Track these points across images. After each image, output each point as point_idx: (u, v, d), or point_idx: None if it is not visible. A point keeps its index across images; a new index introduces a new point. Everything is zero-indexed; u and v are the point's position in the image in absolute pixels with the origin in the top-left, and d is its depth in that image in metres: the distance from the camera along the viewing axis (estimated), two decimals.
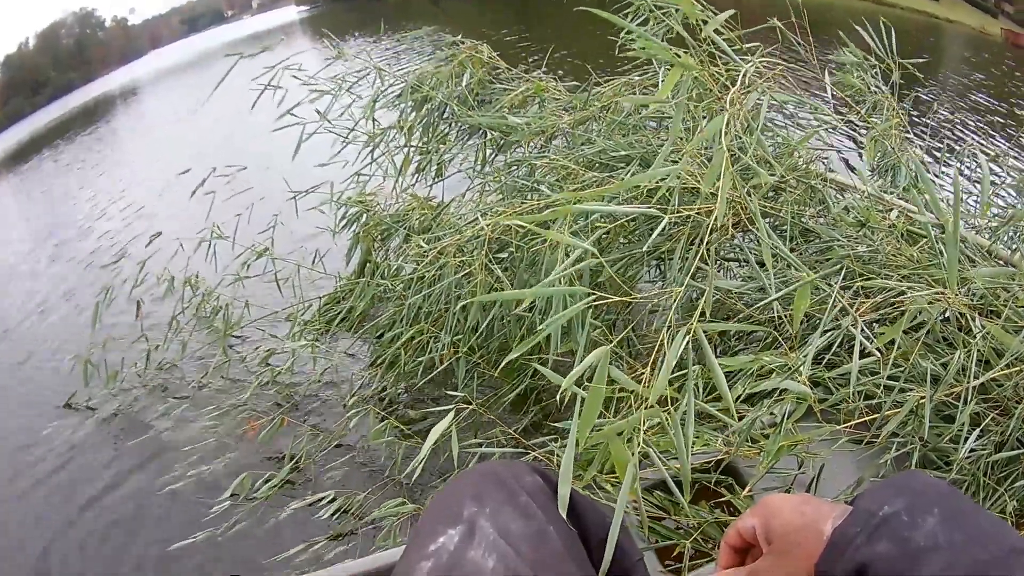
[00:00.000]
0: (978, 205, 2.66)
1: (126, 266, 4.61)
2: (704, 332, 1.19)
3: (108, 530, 3.04)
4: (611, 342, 1.17)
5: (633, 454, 1.13)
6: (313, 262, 3.96)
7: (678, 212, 1.81)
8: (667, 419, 1.20)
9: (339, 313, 3.85)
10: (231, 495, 2.93)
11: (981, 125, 6.54)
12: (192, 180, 3.99)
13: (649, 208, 1.55)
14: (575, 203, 1.52)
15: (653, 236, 1.57)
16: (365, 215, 3.81)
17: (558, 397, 1.23)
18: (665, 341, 1.17)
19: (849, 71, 2.64)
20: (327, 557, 2.63)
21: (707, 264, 1.54)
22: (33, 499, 3.39)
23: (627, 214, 1.92)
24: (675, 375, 1.22)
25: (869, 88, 2.59)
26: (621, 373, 1.16)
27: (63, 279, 6.52)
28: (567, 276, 1.60)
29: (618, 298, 1.34)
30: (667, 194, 2.08)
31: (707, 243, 1.35)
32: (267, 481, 2.94)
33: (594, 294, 1.24)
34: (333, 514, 2.72)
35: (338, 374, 3.61)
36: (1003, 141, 6.21)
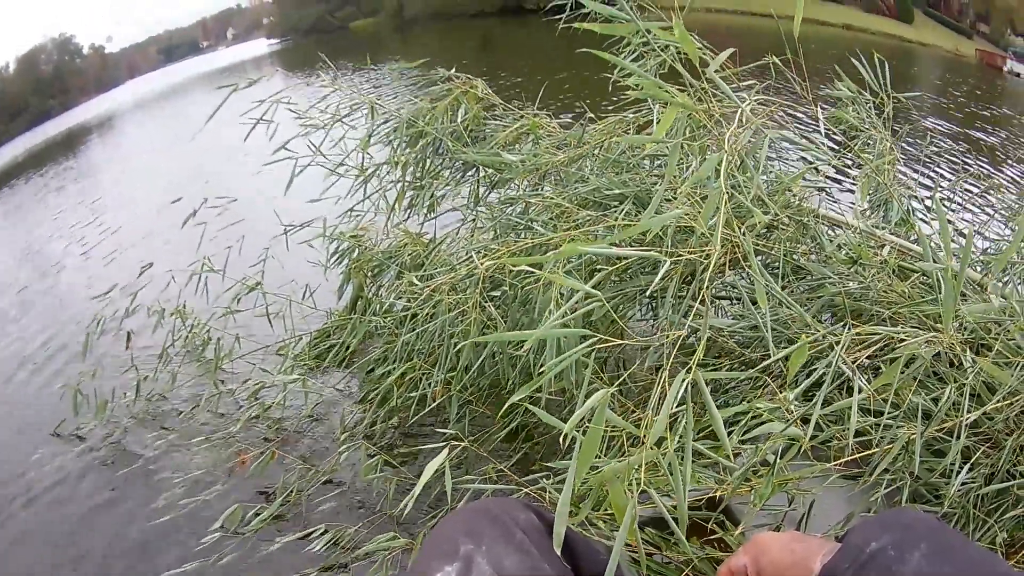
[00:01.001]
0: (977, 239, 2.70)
1: (116, 297, 4.57)
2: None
3: (97, 558, 3.03)
4: (606, 382, 1.20)
5: (632, 495, 1.15)
6: (304, 296, 3.98)
7: (678, 255, 1.83)
8: (663, 460, 1.21)
9: (330, 348, 3.88)
10: (221, 527, 2.93)
11: (968, 151, 6.62)
12: (179, 211, 4.01)
13: (649, 251, 1.57)
14: (578, 244, 1.54)
15: (657, 280, 1.59)
16: (357, 250, 3.81)
17: (561, 437, 1.25)
18: (665, 384, 1.19)
19: (844, 106, 2.67)
20: None
21: (701, 304, 1.56)
22: (20, 524, 3.38)
23: (628, 257, 1.94)
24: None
25: (863, 124, 2.62)
26: (619, 419, 1.18)
27: (46, 309, 6.45)
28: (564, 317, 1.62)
29: (621, 341, 1.36)
30: (660, 234, 2.11)
31: (705, 283, 1.37)
32: (257, 514, 2.94)
33: (596, 336, 1.26)
34: (324, 547, 2.71)
35: (329, 409, 3.62)
36: (988, 167, 6.29)
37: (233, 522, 2.94)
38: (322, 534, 2.74)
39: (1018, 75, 13.80)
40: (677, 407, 1.18)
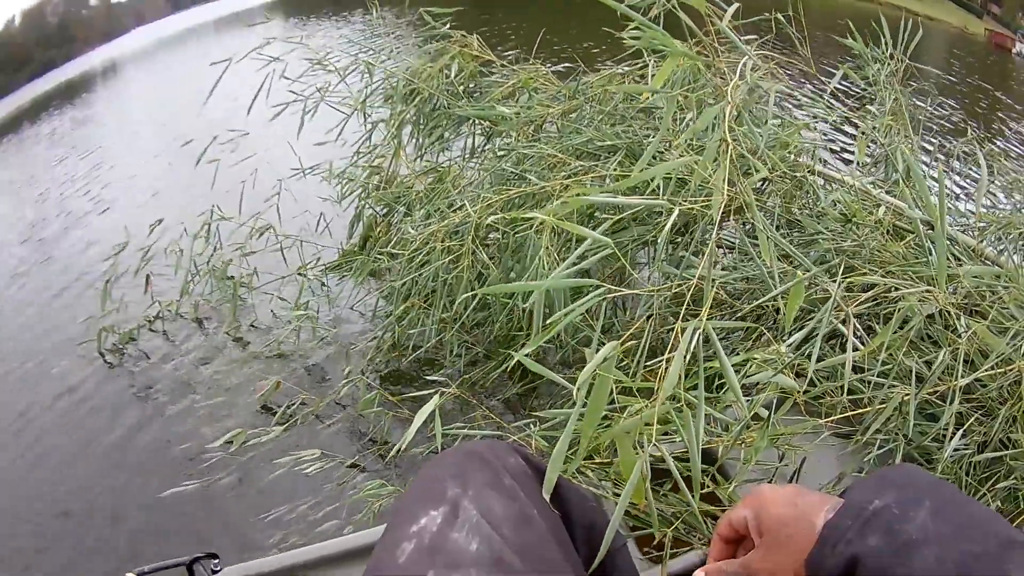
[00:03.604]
0: (970, 204, 2.63)
1: (129, 245, 4.46)
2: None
3: (100, 476, 3.04)
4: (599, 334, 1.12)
5: (642, 452, 1.08)
6: (318, 230, 3.95)
7: (688, 205, 1.75)
8: (677, 416, 1.15)
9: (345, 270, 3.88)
10: (225, 442, 2.95)
11: (970, 124, 6.51)
12: (189, 152, 3.93)
13: (657, 200, 1.49)
14: (584, 194, 1.46)
15: (667, 227, 1.51)
16: (366, 190, 3.77)
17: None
18: (678, 334, 1.11)
19: (863, 60, 2.59)
20: (311, 519, 2.61)
21: (700, 253, 1.49)
22: (38, 430, 3.41)
23: (635, 206, 1.87)
24: (655, 364, 1.18)
25: (878, 79, 2.55)
26: (622, 374, 1.11)
27: (58, 259, 5.95)
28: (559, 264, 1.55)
29: (630, 290, 1.30)
30: (655, 186, 2.05)
31: (714, 232, 1.28)
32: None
33: (603, 286, 1.18)
34: (316, 471, 2.71)
35: (341, 327, 3.62)
36: (994, 142, 6.21)
37: (238, 441, 2.92)
38: (316, 458, 2.71)
39: None
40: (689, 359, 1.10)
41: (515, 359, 1.27)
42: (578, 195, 1.60)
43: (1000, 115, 7.75)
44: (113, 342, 3.85)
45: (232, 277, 3.84)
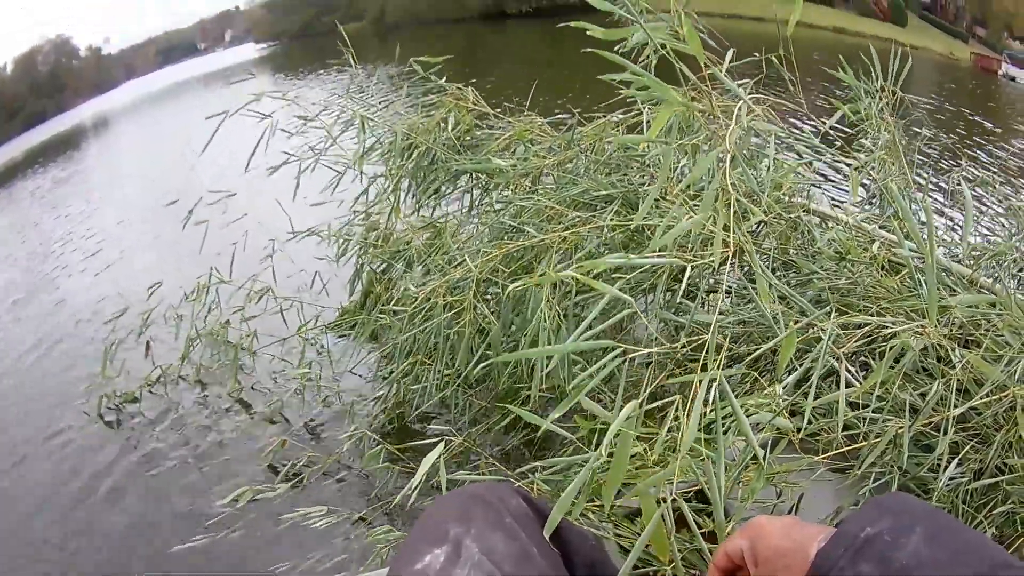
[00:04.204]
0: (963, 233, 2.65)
1: (124, 307, 4.45)
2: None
3: (113, 536, 3.08)
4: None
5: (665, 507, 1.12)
6: (315, 289, 3.97)
7: (698, 261, 1.80)
8: (697, 470, 1.18)
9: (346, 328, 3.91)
10: (232, 500, 2.98)
11: (965, 150, 6.54)
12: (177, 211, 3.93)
13: (671, 258, 1.54)
14: (602, 258, 1.51)
15: (682, 285, 1.55)
16: (364, 245, 3.78)
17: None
18: (697, 387, 1.15)
19: (855, 96, 2.61)
20: (320, 570, 2.66)
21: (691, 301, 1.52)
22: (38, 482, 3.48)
23: (656, 264, 1.92)
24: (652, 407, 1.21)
25: (866, 114, 2.57)
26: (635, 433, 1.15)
27: (54, 322, 6.06)
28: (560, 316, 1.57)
29: (647, 349, 1.32)
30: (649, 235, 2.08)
31: (723, 282, 1.33)
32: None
33: (619, 347, 1.22)
34: (325, 526, 2.70)
35: (342, 400, 3.61)
36: (984, 168, 6.23)
37: (244, 499, 2.97)
38: (324, 515, 2.72)
39: (1013, 79, 13.58)
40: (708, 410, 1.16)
41: (516, 411, 1.31)
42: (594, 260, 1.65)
43: (991, 136, 7.79)
44: (115, 403, 3.93)
45: (231, 343, 3.88)
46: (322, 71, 16.96)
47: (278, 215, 3.67)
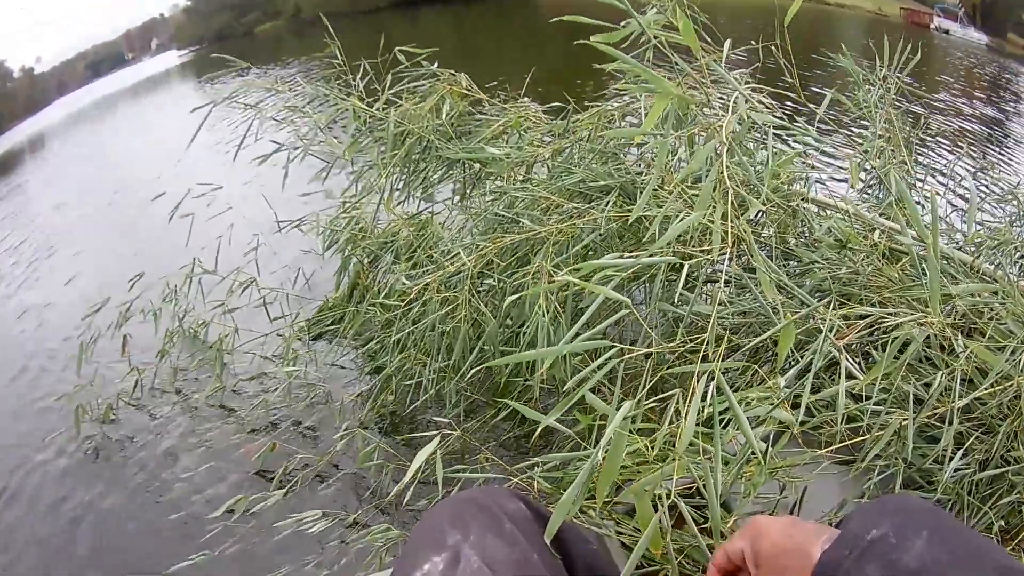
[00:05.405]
0: (964, 219, 2.65)
1: (98, 301, 4.36)
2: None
3: (102, 555, 3.03)
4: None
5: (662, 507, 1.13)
6: (300, 283, 3.98)
7: (697, 257, 1.80)
8: (695, 468, 1.20)
9: (328, 324, 3.89)
10: (227, 511, 2.93)
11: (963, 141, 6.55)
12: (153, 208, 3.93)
13: (669, 258, 1.55)
14: (599, 259, 1.51)
15: (680, 285, 1.56)
16: (351, 237, 3.75)
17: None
18: (694, 384, 1.16)
19: (856, 82, 2.61)
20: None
21: (690, 292, 1.53)
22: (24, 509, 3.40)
23: (652, 264, 1.92)
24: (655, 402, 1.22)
25: (871, 103, 2.56)
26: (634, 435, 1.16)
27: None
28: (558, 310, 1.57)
29: (646, 349, 1.33)
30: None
31: (722, 275, 1.34)
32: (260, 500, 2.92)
33: (616, 346, 1.23)
34: (320, 531, 2.70)
35: (331, 384, 3.60)
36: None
37: (239, 508, 2.91)
38: (318, 519, 2.71)
39: (946, 32, 13.75)
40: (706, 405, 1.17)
41: (512, 399, 1.33)
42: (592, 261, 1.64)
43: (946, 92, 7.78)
44: (92, 418, 3.85)
45: (207, 343, 3.87)
46: (256, 70, 16.83)
47: (265, 209, 3.66)
